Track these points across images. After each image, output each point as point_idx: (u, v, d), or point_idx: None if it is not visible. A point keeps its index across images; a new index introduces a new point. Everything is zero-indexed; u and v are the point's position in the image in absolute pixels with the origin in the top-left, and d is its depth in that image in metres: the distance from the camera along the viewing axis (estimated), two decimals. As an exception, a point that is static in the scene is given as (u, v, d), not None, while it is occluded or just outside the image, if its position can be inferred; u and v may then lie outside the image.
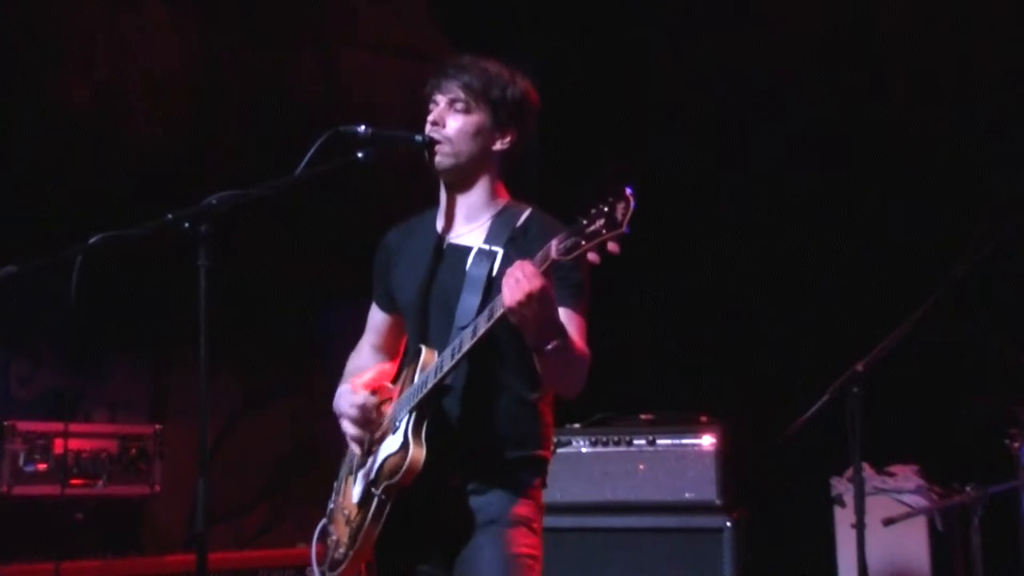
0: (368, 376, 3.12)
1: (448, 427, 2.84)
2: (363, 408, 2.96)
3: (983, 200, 3.75)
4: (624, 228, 2.43)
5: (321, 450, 6.25)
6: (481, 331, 2.69)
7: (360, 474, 2.94)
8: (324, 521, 3.08)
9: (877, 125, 5.85)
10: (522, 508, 2.87)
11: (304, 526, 6.13)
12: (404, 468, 2.75)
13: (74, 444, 4.87)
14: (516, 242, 2.88)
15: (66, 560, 4.49)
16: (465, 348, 2.72)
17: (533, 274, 2.56)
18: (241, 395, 6.29)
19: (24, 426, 4.79)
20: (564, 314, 2.80)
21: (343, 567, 2.90)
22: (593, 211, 2.47)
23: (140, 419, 5.76)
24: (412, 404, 2.82)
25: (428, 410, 2.81)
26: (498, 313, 2.65)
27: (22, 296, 5.26)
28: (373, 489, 2.83)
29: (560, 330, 2.69)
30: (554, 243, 2.54)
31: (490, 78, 2.97)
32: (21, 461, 4.73)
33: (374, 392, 3.05)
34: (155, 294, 5.86)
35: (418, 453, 2.76)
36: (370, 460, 2.91)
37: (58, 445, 4.80)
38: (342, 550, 2.92)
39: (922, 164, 5.65)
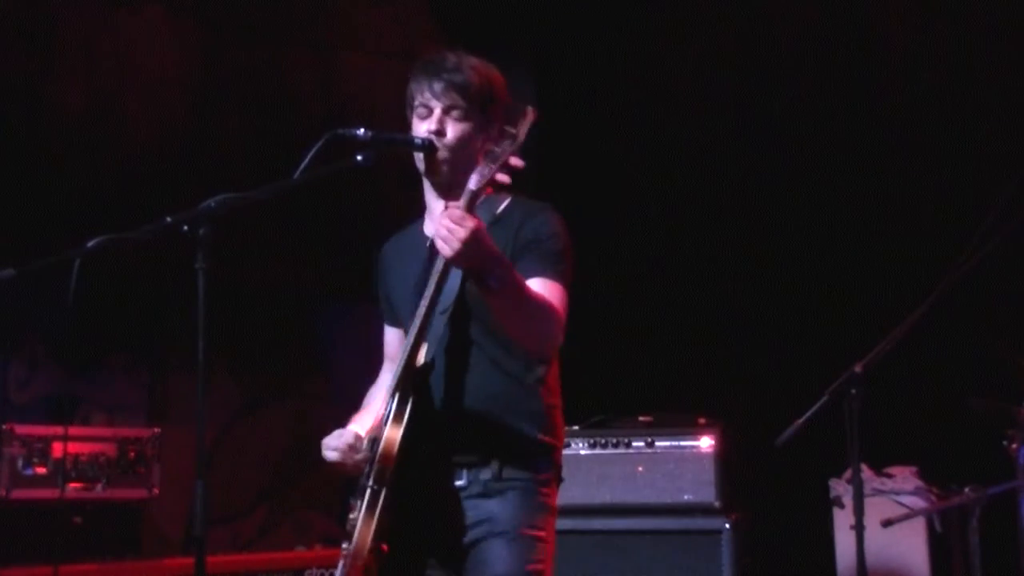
0: (368, 419, 3.09)
1: (435, 406, 2.83)
2: (343, 451, 2.95)
3: (983, 199, 3.74)
4: (520, 138, 2.52)
5: (320, 453, 6.23)
6: (431, 288, 2.75)
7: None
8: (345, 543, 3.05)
9: (877, 124, 5.85)
10: (532, 516, 2.85)
11: (303, 529, 6.18)
12: (380, 451, 2.74)
13: (72, 447, 4.86)
14: (496, 226, 2.86)
15: (65, 563, 4.48)
16: (423, 310, 2.74)
17: (454, 211, 2.61)
18: (239, 398, 6.28)
19: (22, 430, 4.78)
20: (539, 282, 2.82)
21: (346, 565, 2.85)
22: (503, 139, 2.59)
23: (138, 422, 5.75)
24: (392, 385, 2.81)
25: (409, 390, 2.79)
26: (439, 265, 2.72)
27: (19, 299, 5.24)
28: (365, 482, 2.80)
29: (500, 264, 2.67)
30: (472, 176, 2.64)
31: (480, 79, 2.95)
32: (19, 465, 4.72)
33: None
34: (153, 297, 5.85)
35: (392, 433, 2.74)
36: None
37: (56, 448, 4.79)
38: (346, 552, 2.90)
39: (923, 163, 5.65)
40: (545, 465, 2.91)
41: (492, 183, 2.67)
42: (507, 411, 2.86)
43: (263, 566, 5.05)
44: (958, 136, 5.58)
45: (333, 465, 2.97)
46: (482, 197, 2.92)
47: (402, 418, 2.76)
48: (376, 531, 2.76)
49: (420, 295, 2.86)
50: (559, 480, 2.96)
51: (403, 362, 2.79)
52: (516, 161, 2.53)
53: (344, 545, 2.92)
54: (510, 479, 2.84)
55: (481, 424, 2.85)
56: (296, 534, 6.08)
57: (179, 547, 5.61)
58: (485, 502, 2.83)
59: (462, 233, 2.57)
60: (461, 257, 2.60)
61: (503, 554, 2.79)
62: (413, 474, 2.78)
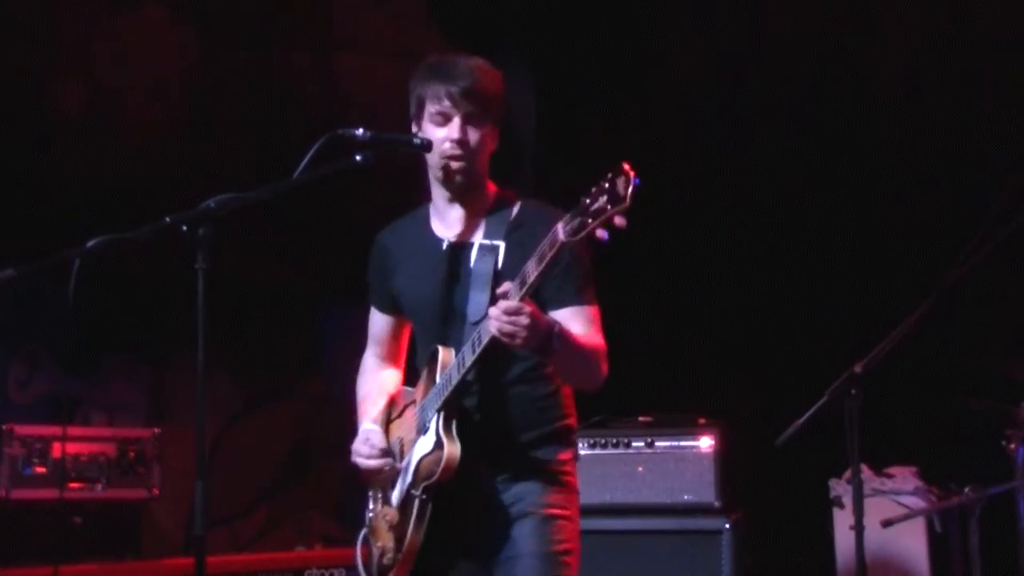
0: (378, 411, 3.15)
1: (470, 417, 2.88)
2: (375, 451, 3.02)
3: (983, 199, 3.74)
4: (628, 202, 2.44)
5: (319, 453, 6.25)
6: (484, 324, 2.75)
7: (396, 479, 2.98)
8: (364, 531, 3.11)
9: (877, 124, 5.84)
10: (555, 496, 2.92)
11: (303, 529, 6.17)
12: (441, 466, 2.81)
13: (72, 448, 4.87)
14: (515, 233, 2.93)
15: (65, 564, 4.48)
16: (485, 341, 2.74)
17: (509, 304, 2.62)
18: (239, 398, 6.28)
19: (22, 430, 4.79)
20: (577, 311, 2.88)
21: (393, 572, 2.93)
22: (594, 189, 2.50)
23: (138, 422, 5.75)
24: (439, 403, 2.86)
25: (455, 407, 2.86)
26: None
27: (20, 299, 5.25)
28: (412, 491, 2.88)
29: (554, 325, 2.72)
30: (560, 226, 2.56)
31: (491, 83, 2.98)
32: (19, 465, 4.73)
33: (390, 409, 3.12)
34: (153, 297, 5.85)
35: (453, 449, 2.81)
36: (404, 463, 2.95)
37: (56, 449, 4.80)
38: (389, 555, 2.95)
39: (923, 163, 5.64)
40: (563, 446, 2.98)
41: (589, 237, 2.52)
42: (530, 409, 2.93)
43: (263, 566, 5.05)
44: (958, 136, 5.58)
45: (363, 471, 3.05)
46: (500, 204, 3.00)
47: (452, 434, 2.84)
48: (424, 538, 2.86)
49: (448, 307, 2.93)
50: (577, 457, 3.03)
51: (455, 380, 2.83)
52: (621, 221, 2.46)
53: (371, 540, 2.99)
54: (530, 466, 2.91)
55: (508, 428, 2.91)
56: (296, 534, 6.08)
57: (179, 547, 5.61)
58: (511, 487, 2.89)
59: (525, 320, 2.62)
60: (529, 342, 2.65)
61: (529, 533, 2.87)
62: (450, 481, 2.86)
